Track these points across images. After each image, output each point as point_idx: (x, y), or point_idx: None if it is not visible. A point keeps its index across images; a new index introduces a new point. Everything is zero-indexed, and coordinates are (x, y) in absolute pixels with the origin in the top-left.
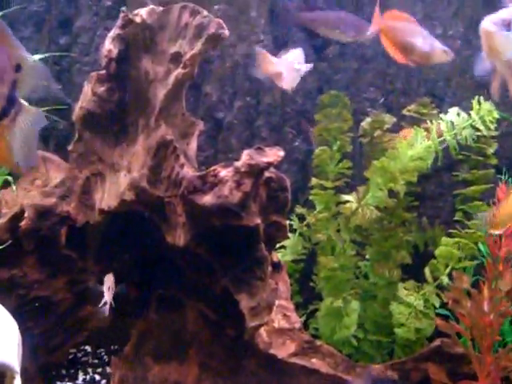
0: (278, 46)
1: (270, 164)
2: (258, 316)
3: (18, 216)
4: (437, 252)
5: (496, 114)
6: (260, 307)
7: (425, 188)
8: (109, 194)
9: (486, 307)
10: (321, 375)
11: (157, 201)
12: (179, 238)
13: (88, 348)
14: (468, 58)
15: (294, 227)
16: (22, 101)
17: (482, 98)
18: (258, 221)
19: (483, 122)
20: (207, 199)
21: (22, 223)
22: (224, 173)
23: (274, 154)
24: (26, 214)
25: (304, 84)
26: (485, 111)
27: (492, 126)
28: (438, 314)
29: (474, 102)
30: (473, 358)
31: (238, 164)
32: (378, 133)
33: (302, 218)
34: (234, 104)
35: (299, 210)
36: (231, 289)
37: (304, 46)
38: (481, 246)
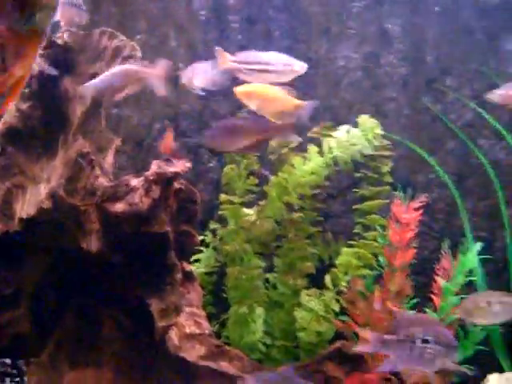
0: None
1: (177, 174)
2: (167, 317)
3: None
4: (337, 261)
5: (378, 131)
6: (169, 309)
7: (330, 206)
8: (28, 204)
9: (377, 306)
10: (228, 377)
11: (73, 209)
12: (93, 243)
13: (7, 360)
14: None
15: (208, 241)
16: None
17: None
18: (168, 228)
19: (366, 139)
20: (119, 206)
21: None
22: (135, 182)
23: (181, 165)
24: None
25: (219, 109)
26: (368, 128)
27: (376, 142)
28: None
29: (360, 120)
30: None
31: (147, 173)
32: (284, 151)
33: (215, 232)
34: (152, 127)
35: (212, 225)
36: (142, 293)
37: None
38: (380, 258)
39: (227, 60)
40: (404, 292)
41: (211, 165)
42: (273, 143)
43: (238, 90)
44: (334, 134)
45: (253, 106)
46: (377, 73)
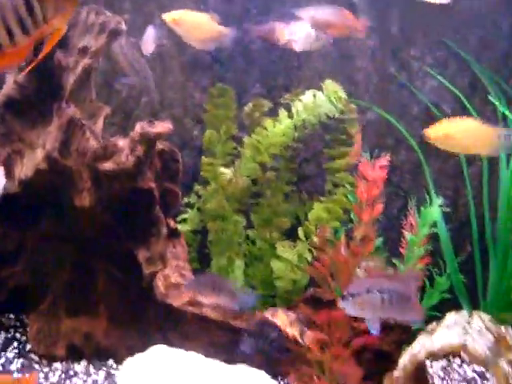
0: None
1: (159, 134)
2: (153, 265)
3: None
4: (309, 216)
5: (341, 94)
6: (154, 258)
7: (305, 168)
8: (26, 167)
9: (343, 251)
10: (211, 321)
11: (66, 169)
12: (85, 200)
13: (11, 315)
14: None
15: (192, 202)
16: None
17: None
18: (153, 185)
19: (330, 102)
20: (108, 165)
21: None
22: (122, 143)
23: (163, 126)
24: None
25: (200, 81)
26: (331, 92)
27: (339, 105)
28: None
29: (324, 85)
30: (333, 293)
31: (132, 134)
32: (257, 115)
33: (198, 194)
34: (141, 99)
35: (197, 187)
36: (131, 245)
37: None
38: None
39: None
40: (368, 238)
41: (195, 133)
42: (246, 108)
43: (167, 16)
44: (302, 98)
45: (180, 32)
46: (346, 44)
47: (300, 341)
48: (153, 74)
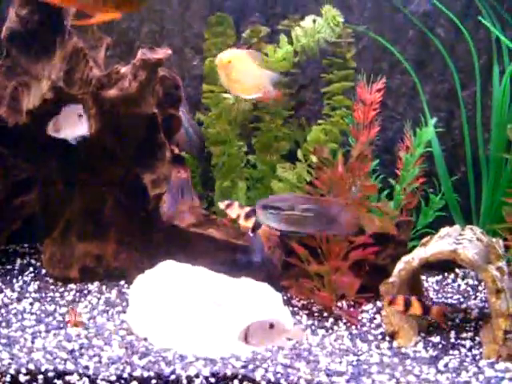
0: None
1: (160, 60)
2: (158, 186)
3: None
4: (308, 137)
5: (339, 19)
6: (159, 180)
7: (304, 95)
8: (33, 98)
9: (340, 169)
10: (215, 241)
11: (72, 98)
12: (91, 127)
13: (26, 244)
14: None
15: None
16: None
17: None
18: (155, 110)
19: (330, 27)
20: (112, 92)
21: None
22: (124, 69)
23: (163, 53)
24: None
25: (199, 11)
26: (330, 17)
27: (337, 29)
28: None
29: (323, 10)
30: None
31: (134, 61)
32: (255, 40)
33: (201, 123)
34: (141, 30)
35: (199, 115)
36: (137, 170)
37: None
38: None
39: None
40: (365, 157)
41: (195, 63)
42: (244, 34)
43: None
44: (301, 23)
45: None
46: None
47: (250, 233)
48: (152, 4)
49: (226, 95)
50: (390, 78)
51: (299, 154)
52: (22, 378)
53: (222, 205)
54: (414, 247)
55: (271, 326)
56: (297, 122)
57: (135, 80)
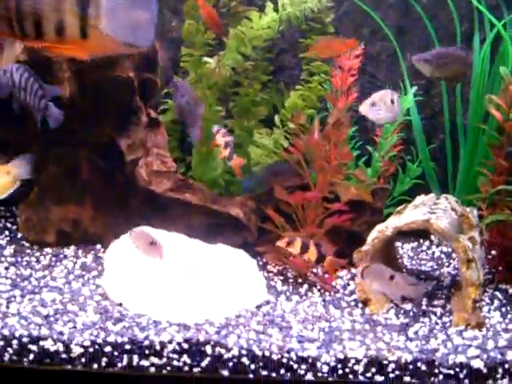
0: None
1: None
2: (135, 151)
3: None
4: (285, 103)
5: None
6: (136, 144)
7: (283, 59)
8: (6, 59)
9: (316, 135)
10: (192, 206)
11: (46, 60)
12: (65, 90)
13: (1, 207)
14: None
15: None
16: None
17: None
18: (131, 74)
19: None
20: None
21: None
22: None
23: None
24: None
25: None
26: None
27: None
28: None
29: None
30: (307, 177)
31: None
32: (234, 3)
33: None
34: None
35: (176, 78)
36: (112, 134)
37: None
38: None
39: None
40: (342, 124)
41: (173, 24)
42: None
43: None
44: None
45: None
46: None
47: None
48: None
49: (207, 59)
50: (371, 44)
51: (276, 119)
52: None
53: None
54: (390, 214)
55: (391, 277)
56: (275, 87)
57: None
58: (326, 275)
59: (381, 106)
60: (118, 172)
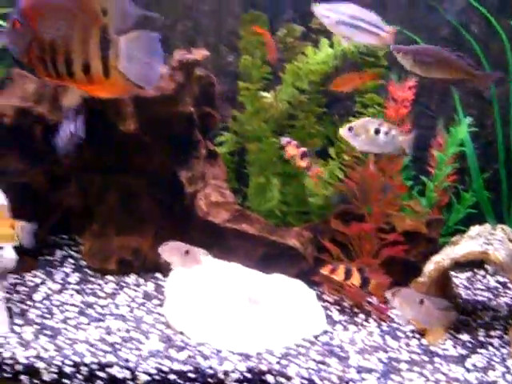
0: None
1: (196, 61)
2: (194, 184)
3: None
4: (338, 135)
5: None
6: (195, 177)
7: (336, 91)
8: (72, 96)
9: (372, 167)
10: (249, 236)
11: (110, 99)
12: (129, 125)
13: (65, 236)
14: None
15: (229, 126)
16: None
17: None
18: (192, 109)
19: None
20: (149, 92)
21: (5, 121)
22: (162, 70)
23: (200, 53)
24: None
25: (233, 8)
26: None
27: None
28: None
29: None
30: (362, 209)
31: (171, 61)
32: (290, 40)
33: (235, 118)
34: (176, 27)
35: (233, 112)
36: (173, 167)
37: None
38: None
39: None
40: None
41: (230, 59)
42: (279, 33)
43: None
44: None
45: None
46: None
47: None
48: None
49: (264, 94)
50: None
51: (332, 151)
52: (68, 370)
53: (324, 271)
54: (444, 243)
55: (421, 301)
56: (329, 119)
57: (172, 80)
58: (381, 305)
59: (360, 134)
60: (178, 203)
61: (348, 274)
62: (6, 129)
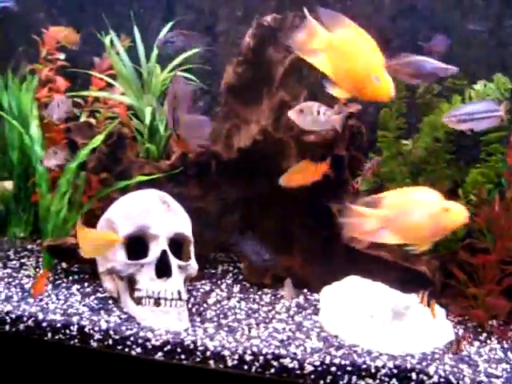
0: None
1: (351, 113)
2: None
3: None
4: (467, 179)
5: (509, 85)
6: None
7: (464, 139)
8: (244, 138)
9: (497, 208)
10: (386, 262)
11: (278, 140)
12: (291, 164)
13: (222, 254)
14: None
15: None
16: None
17: None
18: (344, 152)
19: (499, 91)
20: (311, 137)
21: (190, 156)
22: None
23: (355, 107)
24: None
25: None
26: (501, 83)
27: (506, 94)
28: None
29: (495, 78)
30: (489, 245)
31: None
32: (429, 96)
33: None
34: None
35: (371, 155)
36: (325, 200)
37: None
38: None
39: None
40: None
41: (369, 111)
42: (420, 90)
43: None
44: (474, 86)
45: None
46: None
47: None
48: None
49: (404, 142)
50: None
51: (460, 192)
52: (247, 358)
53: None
54: None
55: None
56: (456, 164)
57: (331, 129)
58: (503, 327)
59: (307, 115)
60: (325, 230)
61: None
62: (189, 162)
